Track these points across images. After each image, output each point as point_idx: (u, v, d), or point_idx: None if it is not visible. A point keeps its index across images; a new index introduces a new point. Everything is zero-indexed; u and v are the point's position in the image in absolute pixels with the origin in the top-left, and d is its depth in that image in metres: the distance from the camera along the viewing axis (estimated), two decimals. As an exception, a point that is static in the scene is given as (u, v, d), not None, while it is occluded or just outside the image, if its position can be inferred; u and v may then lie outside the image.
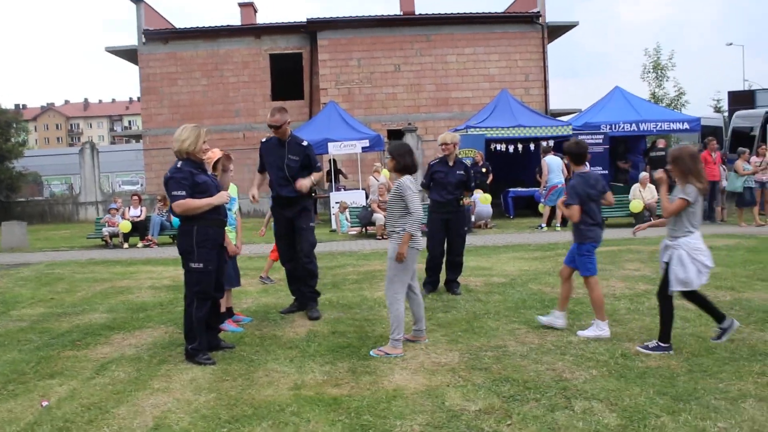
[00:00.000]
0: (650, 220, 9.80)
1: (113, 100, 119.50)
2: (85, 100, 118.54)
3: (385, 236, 13.29)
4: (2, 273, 11.18)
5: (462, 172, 7.84)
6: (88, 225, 20.36)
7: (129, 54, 27.92)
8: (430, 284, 7.97)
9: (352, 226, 16.29)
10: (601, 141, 18.25)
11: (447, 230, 7.88)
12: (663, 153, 16.72)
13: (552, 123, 19.45)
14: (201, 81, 26.86)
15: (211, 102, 26.87)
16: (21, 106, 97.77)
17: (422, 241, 5.58)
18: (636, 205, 14.96)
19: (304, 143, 6.85)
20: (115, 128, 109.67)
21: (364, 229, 15.71)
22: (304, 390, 4.57)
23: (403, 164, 5.54)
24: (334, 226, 17.09)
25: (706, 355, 5.01)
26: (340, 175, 20.88)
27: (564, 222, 14.69)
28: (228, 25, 27.87)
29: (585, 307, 6.63)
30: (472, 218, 15.41)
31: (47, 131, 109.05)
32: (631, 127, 19.31)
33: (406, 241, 5.33)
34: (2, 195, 25.81)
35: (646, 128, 19.46)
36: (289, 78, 27.23)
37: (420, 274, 8.16)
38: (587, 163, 6.28)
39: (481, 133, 17.97)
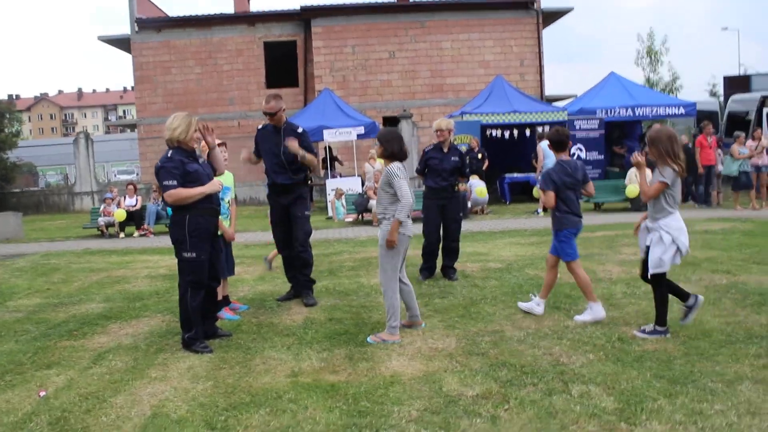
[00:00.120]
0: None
1: (107, 90, 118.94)
2: (79, 89, 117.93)
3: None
4: (-2, 264, 11.15)
5: (457, 159, 7.83)
6: (84, 215, 20.31)
7: (122, 43, 27.74)
8: (427, 270, 7.96)
9: (348, 213, 16.29)
10: (596, 126, 18.25)
11: (442, 216, 7.87)
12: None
13: (547, 108, 19.42)
14: (195, 69, 26.72)
15: (206, 90, 26.75)
16: (14, 97, 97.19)
17: (413, 228, 5.56)
18: (632, 190, 14.95)
19: (300, 130, 6.83)
20: (109, 118, 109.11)
21: (360, 216, 15.71)
22: (301, 377, 4.57)
23: (391, 151, 5.49)
24: (330, 214, 17.08)
25: (703, 339, 5.02)
26: (336, 162, 20.85)
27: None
28: (221, 13, 27.71)
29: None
30: (469, 204, 15.41)
31: (41, 121, 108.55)
32: (626, 112, 19.29)
33: (396, 228, 5.30)
34: (-3, 186, 25.73)
35: (641, 113, 19.46)
36: (283, 65, 27.10)
37: (416, 260, 8.19)
38: (572, 150, 6.26)
39: (476, 119, 17.95)
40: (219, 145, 6.06)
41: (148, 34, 26.65)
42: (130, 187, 16.32)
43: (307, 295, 6.89)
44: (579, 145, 18.05)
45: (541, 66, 26.53)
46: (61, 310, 7.18)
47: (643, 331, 5.20)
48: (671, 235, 5.05)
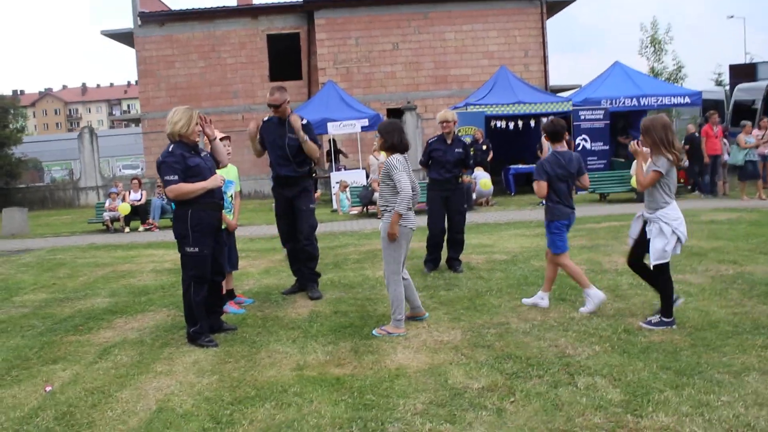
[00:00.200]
0: None
1: (111, 84, 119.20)
2: (83, 84, 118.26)
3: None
4: (4, 259, 11.19)
5: (460, 150, 7.80)
6: (89, 210, 20.34)
7: (125, 37, 27.68)
8: (432, 262, 7.95)
9: (353, 206, 16.27)
10: (601, 116, 18.16)
11: (447, 208, 7.85)
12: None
13: (552, 99, 19.33)
14: (198, 63, 26.66)
15: (209, 84, 26.69)
16: (19, 92, 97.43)
17: (415, 220, 5.53)
18: (637, 180, 14.89)
19: (304, 121, 6.82)
20: (113, 112, 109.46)
21: (365, 209, 15.69)
22: (306, 370, 4.57)
23: (391, 142, 5.46)
24: (335, 206, 17.07)
25: (709, 329, 5.00)
26: (340, 155, 20.81)
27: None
28: (224, 6, 27.62)
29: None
30: (473, 196, 15.38)
31: (46, 117, 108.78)
32: (632, 102, 19.18)
33: (396, 221, 5.28)
34: (2, 181, 25.76)
35: (647, 103, 19.33)
36: (286, 58, 27.01)
37: (421, 252, 8.18)
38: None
39: (480, 110, 17.88)
40: (223, 138, 6.05)
41: (151, 28, 26.59)
42: (135, 181, 16.34)
43: (312, 289, 6.88)
44: (584, 136, 17.98)
45: (545, 56, 26.37)
46: (66, 305, 7.20)
47: (649, 323, 5.17)
48: (671, 225, 5.02)
